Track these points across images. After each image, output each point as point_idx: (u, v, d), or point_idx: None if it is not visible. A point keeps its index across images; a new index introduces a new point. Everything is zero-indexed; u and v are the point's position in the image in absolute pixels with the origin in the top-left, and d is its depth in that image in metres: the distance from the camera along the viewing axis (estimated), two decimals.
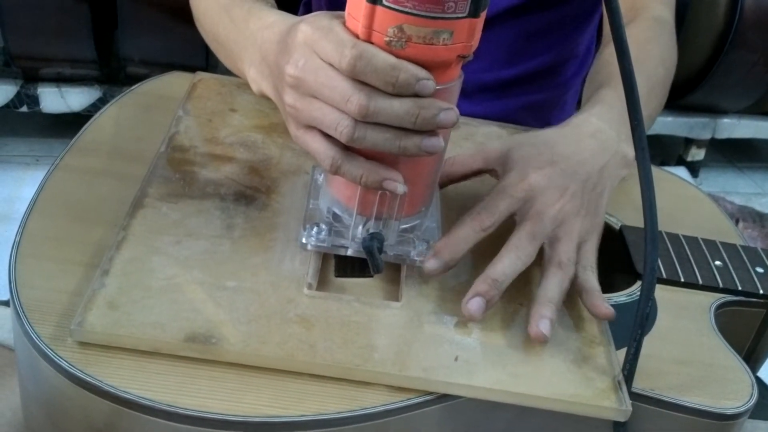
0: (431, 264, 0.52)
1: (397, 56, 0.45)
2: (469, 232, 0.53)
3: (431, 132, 0.48)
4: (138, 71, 1.69)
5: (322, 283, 0.55)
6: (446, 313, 0.53)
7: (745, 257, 0.65)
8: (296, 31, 0.50)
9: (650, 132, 2.15)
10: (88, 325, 0.48)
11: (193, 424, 0.45)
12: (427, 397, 0.48)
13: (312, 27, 0.49)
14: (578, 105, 0.83)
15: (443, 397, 0.49)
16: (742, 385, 0.53)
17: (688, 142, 2.12)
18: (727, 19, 1.79)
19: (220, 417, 0.45)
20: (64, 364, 0.46)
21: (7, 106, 1.74)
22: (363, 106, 0.46)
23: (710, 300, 0.61)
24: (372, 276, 0.56)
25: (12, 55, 1.66)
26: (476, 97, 0.82)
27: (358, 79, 0.46)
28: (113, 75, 1.77)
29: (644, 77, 0.67)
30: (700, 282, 0.61)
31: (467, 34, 0.46)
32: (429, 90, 0.46)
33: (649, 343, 0.51)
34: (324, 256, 0.57)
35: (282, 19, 0.58)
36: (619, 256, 0.67)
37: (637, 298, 0.55)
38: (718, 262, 0.63)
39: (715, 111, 2.04)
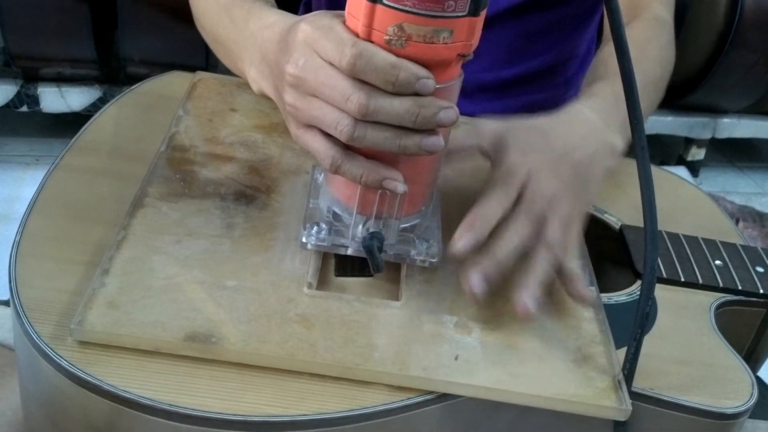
0: (464, 242, 0.51)
1: (397, 55, 0.46)
2: (496, 207, 0.52)
3: (431, 131, 0.48)
4: (138, 71, 1.69)
5: (322, 283, 0.55)
6: (446, 312, 0.53)
7: (745, 257, 0.65)
8: (296, 30, 0.50)
9: (650, 132, 2.15)
10: (88, 324, 0.48)
11: (193, 423, 0.45)
12: (428, 397, 0.48)
13: (312, 26, 0.49)
14: None
15: (443, 397, 0.49)
16: (743, 384, 0.53)
17: (689, 142, 2.12)
18: (727, 19, 1.79)
19: (220, 416, 0.45)
20: (64, 364, 0.46)
21: (7, 105, 1.74)
22: (363, 105, 0.46)
23: (710, 299, 0.61)
24: (372, 275, 0.56)
25: (12, 55, 1.67)
26: (476, 96, 0.82)
27: (359, 78, 0.46)
28: (113, 75, 1.77)
29: (640, 75, 0.67)
30: (701, 281, 0.61)
31: (467, 33, 0.46)
32: (429, 89, 0.46)
33: (649, 342, 0.51)
34: (324, 256, 0.57)
35: (282, 18, 0.58)
36: (619, 256, 0.67)
37: (637, 297, 0.55)
38: (718, 262, 0.63)
39: (715, 111, 2.04)
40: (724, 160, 2.26)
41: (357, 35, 0.46)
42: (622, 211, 0.70)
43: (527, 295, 0.50)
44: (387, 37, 0.45)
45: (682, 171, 2.09)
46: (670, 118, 2.02)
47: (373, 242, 0.52)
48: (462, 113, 0.50)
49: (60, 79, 1.73)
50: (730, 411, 0.51)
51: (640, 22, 0.75)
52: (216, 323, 0.49)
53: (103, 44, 1.71)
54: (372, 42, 0.46)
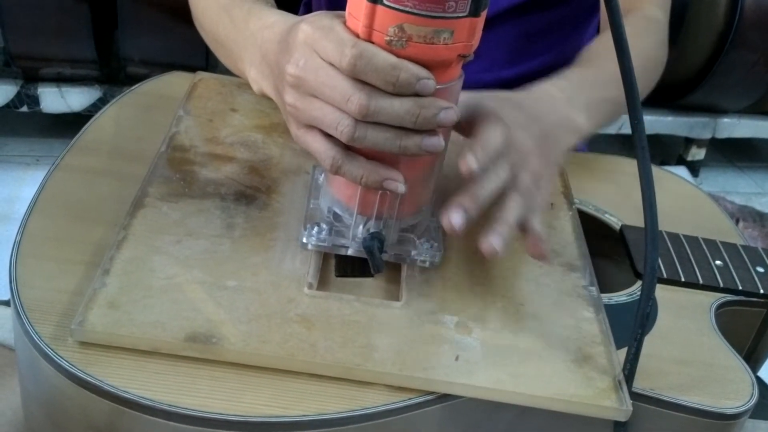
0: (456, 218, 0.51)
1: (398, 56, 0.46)
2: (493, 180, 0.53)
3: (431, 131, 0.48)
4: (138, 71, 1.69)
5: (322, 283, 0.55)
6: (447, 312, 0.53)
7: (745, 257, 0.65)
8: (297, 30, 0.50)
9: (650, 132, 2.15)
10: (89, 324, 0.48)
11: (193, 423, 0.45)
12: (428, 397, 0.48)
13: (313, 26, 0.49)
14: None
15: (444, 397, 0.49)
16: (743, 384, 0.53)
17: (689, 142, 2.12)
18: (727, 19, 1.79)
19: (220, 417, 0.45)
20: (65, 364, 0.46)
21: (7, 106, 1.74)
22: (363, 105, 0.46)
23: (711, 300, 0.61)
24: (372, 276, 0.56)
25: (12, 55, 1.66)
26: None
27: (359, 78, 0.46)
28: (113, 75, 1.77)
29: (615, 63, 0.69)
30: (701, 282, 0.61)
31: (468, 34, 0.46)
32: (429, 89, 0.46)
33: (649, 342, 0.51)
34: (324, 256, 0.57)
35: (282, 18, 0.58)
36: (619, 256, 0.67)
37: (638, 297, 0.55)
38: (718, 262, 0.63)
39: (715, 111, 2.04)
40: (724, 160, 2.26)
41: (357, 36, 0.46)
42: (623, 211, 0.70)
43: (495, 236, 0.51)
44: (387, 38, 0.45)
45: (682, 171, 2.09)
46: (670, 118, 2.02)
47: (374, 242, 0.52)
48: None
49: (60, 80, 1.73)
50: (731, 411, 0.51)
51: (629, 20, 0.76)
52: (216, 323, 0.49)
53: (103, 44, 1.71)
54: (372, 42, 0.46)
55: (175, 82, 0.75)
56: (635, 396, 0.50)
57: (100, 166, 0.63)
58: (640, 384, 0.51)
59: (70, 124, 1.67)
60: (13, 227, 0.55)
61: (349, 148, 0.50)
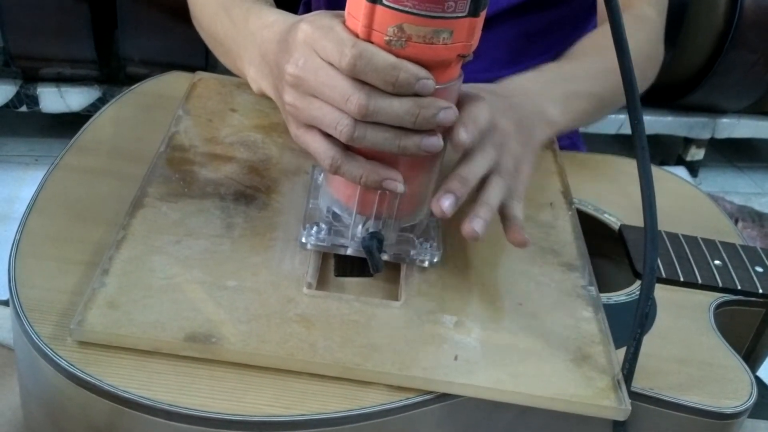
0: (445, 203, 0.51)
1: (397, 55, 0.46)
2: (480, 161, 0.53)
3: (431, 131, 0.48)
4: (138, 71, 1.69)
5: (321, 283, 0.55)
6: (446, 312, 0.53)
7: (744, 257, 0.65)
8: (296, 30, 0.50)
9: (650, 132, 2.15)
10: (88, 324, 0.48)
11: (193, 423, 0.45)
12: (427, 397, 0.48)
13: (312, 26, 0.49)
14: None
15: (443, 397, 0.49)
16: (742, 384, 0.53)
17: (688, 142, 2.12)
18: (727, 19, 1.79)
19: (220, 416, 0.45)
20: (64, 364, 0.46)
21: (6, 105, 1.74)
22: (363, 105, 0.46)
23: (710, 299, 0.61)
24: (372, 275, 0.56)
25: (12, 55, 1.66)
26: None
27: (358, 78, 0.46)
28: (113, 75, 1.77)
29: (598, 59, 0.70)
30: (700, 281, 0.61)
31: (467, 34, 0.46)
32: (429, 89, 0.46)
33: (648, 342, 0.51)
34: (324, 256, 0.57)
35: (282, 18, 0.58)
36: (618, 256, 0.67)
37: (637, 297, 0.55)
38: (717, 262, 0.64)
39: (714, 111, 2.04)
40: (724, 160, 2.26)
41: (357, 35, 0.46)
42: (622, 211, 0.70)
43: (477, 220, 0.51)
44: (387, 38, 0.45)
45: (681, 171, 2.09)
46: (669, 118, 2.02)
47: (373, 242, 0.52)
48: None
49: (60, 79, 1.73)
50: (730, 411, 0.51)
51: None
52: (216, 323, 0.49)
53: (103, 44, 1.71)
54: (372, 42, 0.46)
55: (175, 81, 0.75)
56: (634, 395, 0.50)
57: (100, 166, 0.63)
58: (639, 383, 0.51)
59: (70, 123, 1.67)
60: (13, 227, 0.55)
61: (348, 148, 0.50)
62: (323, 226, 0.55)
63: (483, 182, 0.53)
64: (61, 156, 0.64)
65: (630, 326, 0.49)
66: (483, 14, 0.46)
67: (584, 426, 0.50)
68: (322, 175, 0.58)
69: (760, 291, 0.62)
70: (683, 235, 0.66)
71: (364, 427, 0.47)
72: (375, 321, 0.52)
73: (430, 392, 0.49)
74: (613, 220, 0.69)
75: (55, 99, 1.74)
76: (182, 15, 0.79)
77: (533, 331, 0.53)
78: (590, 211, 0.70)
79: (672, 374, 0.53)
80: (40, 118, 1.83)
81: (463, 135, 0.50)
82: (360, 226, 0.53)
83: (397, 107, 0.46)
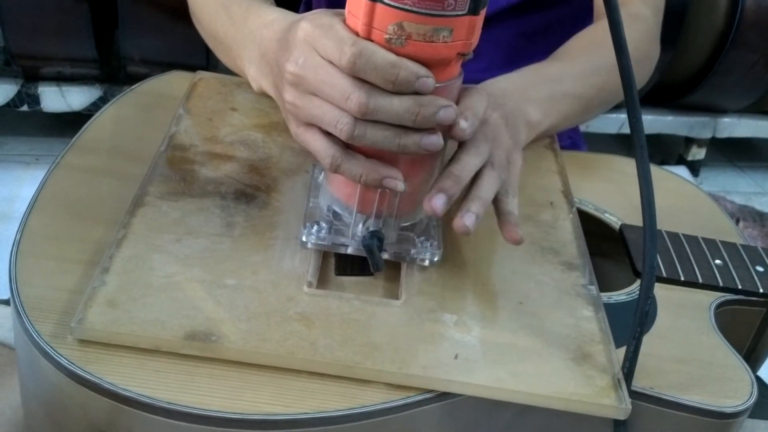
0: (437, 202, 0.51)
1: (397, 54, 0.46)
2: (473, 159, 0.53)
3: (431, 130, 0.48)
4: (138, 70, 1.69)
5: (322, 281, 0.55)
6: (446, 311, 0.53)
7: (745, 256, 0.65)
8: (296, 28, 0.50)
9: (650, 131, 2.14)
10: (88, 322, 0.48)
11: (193, 421, 0.45)
12: (427, 395, 0.48)
13: (312, 24, 0.49)
14: None
15: (443, 395, 0.49)
16: (742, 383, 0.53)
17: (689, 142, 2.12)
18: (727, 19, 1.79)
19: (220, 415, 0.45)
20: (64, 362, 0.46)
21: (7, 105, 1.74)
22: (363, 103, 0.46)
23: (710, 299, 0.61)
24: (372, 274, 0.56)
25: (12, 55, 1.66)
26: None
27: (358, 76, 0.46)
28: (114, 74, 1.77)
29: (584, 59, 0.71)
30: (700, 281, 0.61)
31: (467, 32, 0.46)
32: (429, 87, 0.46)
33: (648, 341, 0.51)
34: (324, 255, 0.57)
35: (282, 16, 0.58)
36: (618, 255, 0.67)
37: (637, 296, 0.55)
38: (718, 261, 0.63)
39: (715, 110, 2.04)
40: (725, 160, 2.26)
41: (357, 34, 0.46)
42: (622, 210, 0.70)
43: (469, 215, 0.51)
44: (387, 36, 0.45)
45: (682, 171, 2.09)
46: (670, 118, 2.02)
47: (373, 241, 0.52)
48: None
49: (60, 79, 1.73)
50: (730, 410, 0.51)
51: None
52: (216, 322, 0.49)
53: (104, 44, 1.71)
54: (372, 41, 0.46)
55: (175, 81, 0.75)
56: (634, 395, 0.50)
57: (100, 165, 0.63)
58: (639, 383, 0.51)
59: (70, 123, 1.68)
60: (13, 226, 0.56)
61: (348, 147, 0.50)
62: (323, 224, 0.55)
63: (475, 176, 0.53)
64: (62, 155, 0.64)
65: (630, 325, 0.49)
66: (483, 13, 0.46)
67: (584, 425, 0.50)
68: (322, 173, 0.58)
69: (761, 290, 0.62)
70: (684, 235, 0.66)
71: (364, 425, 0.47)
72: (375, 320, 0.52)
73: (430, 391, 0.49)
74: (614, 220, 0.69)
75: (56, 98, 1.74)
76: (183, 14, 0.79)
77: (533, 330, 0.53)
78: (591, 210, 0.70)
79: (672, 373, 0.53)
80: (40, 117, 1.83)
81: (463, 124, 0.50)
82: (360, 225, 0.53)
83: (397, 105, 0.46)
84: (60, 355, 0.47)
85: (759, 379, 0.67)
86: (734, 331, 0.61)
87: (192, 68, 0.77)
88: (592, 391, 0.49)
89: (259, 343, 0.48)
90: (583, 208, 0.70)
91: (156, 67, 1.63)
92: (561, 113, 0.68)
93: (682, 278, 0.61)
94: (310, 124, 0.50)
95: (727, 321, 0.61)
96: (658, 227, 0.48)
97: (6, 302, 0.67)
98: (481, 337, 0.52)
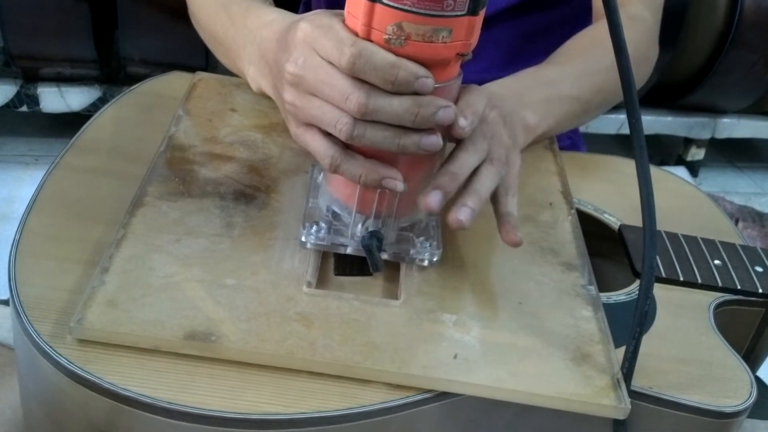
0: (433, 199, 0.50)
1: (397, 54, 0.46)
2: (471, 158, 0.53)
3: (430, 130, 0.48)
4: (138, 71, 1.69)
5: (321, 282, 0.55)
6: (446, 311, 0.53)
7: (744, 256, 0.65)
8: (296, 29, 0.50)
9: (650, 132, 2.14)
10: (88, 322, 0.48)
11: (192, 421, 0.45)
12: (427, 395, 0.48)
13: (312, 25, 0.49)
14: None
15: (442, 395, 0.49)
16: (741, 383, 0.53)
17: (688, 142, 2.12)
18: (727, 19, 1.79)
19: (219, 414, 0.45)
20: (64, 362, 0.46)
21: (6, 105, 1.74)
22: (362, 104, 0.46)
23: (709, 299, 0.61)
24: (371, 274, 0.56)
25: (12, 55, 1.66)
26: None
27: (358, 77, 0.46)
28: (113, 75, 1.77)
29: (581, 62, 0.71)
30: (699, 281, 0.61)
31: (466, 32, 0.46)
32: (428, 88, 0.46)
33: (648, 341, 0.51)
34: (323, 255, 0.57)
35: (281, 17, 0.58)
36: (618, 256, 0.67)
37: (636, 296, 0.55)
38: (717, 262, 0.64)
39: (714, 111, 2.04)
40: (724, 160, 2.26)
41: (356, 34, 0.47)
42: (622, 211, 0.70)
43: (465, 211, 0.51)
44: (386, 36, 0.45)
45: (681, 171, 2.09)
46: (669, 118, 2.02)
47: (373, 241, 0.52)
48: None
49: (60, 79, 1.73)
50: (729, 410, 0.51)
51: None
52: (215, 322, 0.49)
53: (103, 44, 1.71)
54: (371, 41, 0.46)
55: (175, 81, 0.75)
56: (634, 394, 0.50)
57: (100, 166, 0.63)
58: (638, 382, 0.51)
59: (70, 123, 1.67)
60: (12, 226, 0.56)
61: (348, 147, 0.50)
62: (323, 225, 0.55)
63: (473, 172, 0.53)
64: (61, 155, 0.64)
65: (629, 325, 0.49)
66: (482, 13, 0.46)
67: (584, 425, 0.50)
68: (321, 174, 0.58)
69: (760, 291, 0.62)
70: (683, 235, 0.66)
71: (364, 425, 0.47)
72: (374, 320, 0.52)
73: (430, 391, 0.49)
74: (613, 220, 0.69)
75: (55, 99, 1.74)
76: (182, 15, 0.79)
77: (533, 330, 0.53)
78: (590, 211, 0.70)
79: (672, 373, 0.53)
80: (40, 117, 1.83)
81: (463, 122, 0.50)
82: (360, 225, 0.53)
83: (396, 106, 0.46)
84: (59, 355, 0.47)
85: (758, 379, 0.67)
86: (733, 332, 0.62)
87: (191, 69, 0.77)
88: (592, 391, 0.49)
89: (259, 343, 0.48)
90: (583, 208, 0.70)
91: (156, 67, 1.63)
92: (558, 116, 0.68)
93: (682, 278, 0.61)
94: (310, 125, 0.50)
95: (726, 321, 0.61)
96: (657, 227, 0.48)
97: (5, 302, 0.67)
98: (481, 337, 0.52)
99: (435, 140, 0.48)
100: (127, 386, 0.45)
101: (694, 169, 2.14)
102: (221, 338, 0.48)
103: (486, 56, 0.78)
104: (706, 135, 2.07)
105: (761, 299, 0.62)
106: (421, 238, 0.55)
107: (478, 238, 0.60)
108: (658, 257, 0.62)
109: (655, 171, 0.73)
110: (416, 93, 0.47)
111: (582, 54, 0.72)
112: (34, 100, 1.74)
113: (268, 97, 0.60)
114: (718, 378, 0.53)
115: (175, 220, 0.56)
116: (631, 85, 0.49)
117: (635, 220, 0.67)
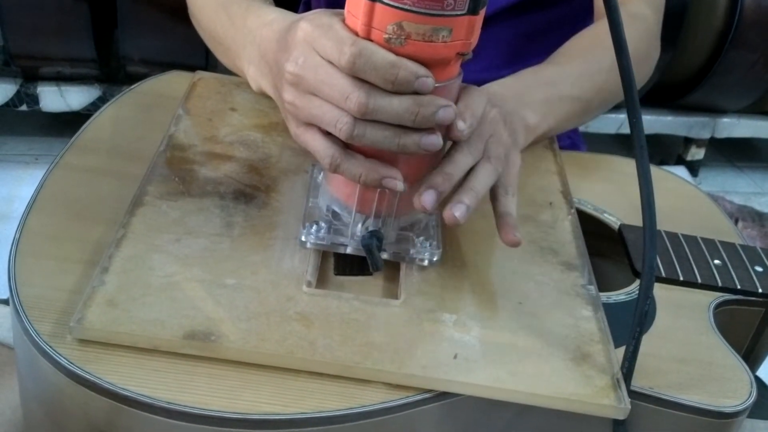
0: (427, 199, 0.51)
1: (397, 53, 0.46)
2: (467, 157, 0.53)
3: (430, 129, 0.48)
4: (138, 70, 1.69)
5: (321, 281, 0.55)
6: (445, 310, 0.53)
7: (744, 256, 0.65)
8: (296, 28, 0.50)
9: (650, 131, 2.14)
10: (88, 322, 0.48)
11: (192, 421, 0.45)
12: (426, 395, 0.48)
13: (312, 24, 0.49)
14: None
15: (442, 395, 0.49)
16: (741, 383, 0.53)
17: (688, 142, 2.12)
18: (727, 19, 1.79)
19: (219, 414, 0.45)
20: (63, 362, 0.46)
21: (6, 104, 1.74)
22: (362, 103, 0.46)
23: (709, 299, 0.61)
24: (371, 274, 0.56)
25: (12, 54, 1.66)
26: None
27: (358, 76, 0.46)
28: (113, 74, 1.77)
29: (582, 61, 0.71)
30: (699, 281, 0.61)
31: (466, 32, 0.46)
32: (428, 87, 0.46)
33: (648, 341, 0.51)
34: (323, 254, 0.57)
35: (281, 16, 0.58)
36: (618, 255, 0.67)
37: (636, 296, 0.55)
38: (717, 261, 0.64)
39: (714, 110, 2.04)
40: (724, 160, 2.26)
41: (356, 34, 0.47)
42: (621, 210, 0.70)
43: (460, 207, 0.51)
44: (386, 36, 0.45)
45: (681, 171, 2.09)
46: (669, 118, 2.02)
47: (372, 241, 0.52)
48: None
49: (59, 78, 1.73)
50: (729, 410, 0.51)
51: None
52: (215, 321, 0.49)
53: (103, 43, 1.71)
54: (371, 40, 0.46)
55: (175, 81, 0.75)
56: (634, 394, 0.50)
57: (100, 165, 0.63)
58: (638, 382, 0.51)
59: (70, 123, 1.68)
60: (12, 226, 0.56)
61: (348, 147, 0.50)
62: (323, 224, 0.55)
63: (471, 169, 0.53)
64: (61, 155, 0.64)
65: (629, 325, 0.49)
66: (482, 12, 0.46)
67: (583, 425, 0.50)
68: (321, 173, 0.58)
69: (760, 290, 0.62)
70: (683, 235, 0.66)
71: (364, 425, 0.47)
72: (374, 319, 0.52)
73: (430, 390, 0.49)
74: (613, 220, 0.69)
75: (55, 98, 1.74)
76: (182, 14, 0.79)
77: (533, 330, 0.53)
78: (590, 210, 0.70)
79: (671, 373, 0.53)
80: (40, 117, 1.83)
81: (461, 125, 0.50)
82: (359, 225, 0.53)
83: (396, 105, 0.46)
84: (59, 354, 0.47)
85: (758, 379, 0.67)
86: (733, 331, 0.62)
87: (191, 68, 0.77)
88: (592, 391, 0.49)
89: (259, 343, 0.48)
90: (583, 208, 0.70)
91: (155, 67, 1.63)
92: (559, 116, 0.68)
93: (681, 278, 0.61)
94: (310, 124, 0.50)
95: (726, 321, 0.61)
96: (657, 227, 0.48)
97: (5, 302, 0.67)
98: (481, 336, 0.52)
99: (435, 140, 0.48)
100: (126, 386, 0.45)
101: (694, 168, 2.14)
102: (221, 338, 0.48)
103: (486, 56, 0.78)
104: (706, 135, 2.07)
105: (761, 299, 0.62)
106: (421, 238, 0.55)
107: (478, 237, 0.60)
108: (658, 257, 0.62)
109: (655, 171, 0.73)
110: (416, 92, 0.47)
111: (582, 54, 0.72)
112: (34, 100, 1.74)
113: (268, 97, 0.60)
114: (717, 378, 0.53)
115: (175, 219, 0.56)
116: (631, 85, 0.49)
117: (635, 219, 0.67)
